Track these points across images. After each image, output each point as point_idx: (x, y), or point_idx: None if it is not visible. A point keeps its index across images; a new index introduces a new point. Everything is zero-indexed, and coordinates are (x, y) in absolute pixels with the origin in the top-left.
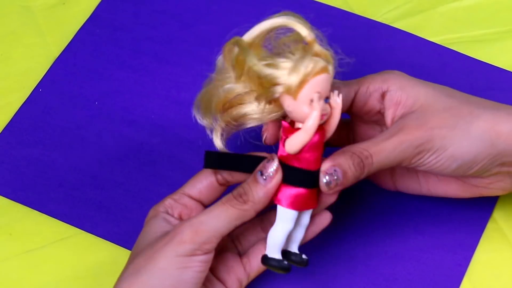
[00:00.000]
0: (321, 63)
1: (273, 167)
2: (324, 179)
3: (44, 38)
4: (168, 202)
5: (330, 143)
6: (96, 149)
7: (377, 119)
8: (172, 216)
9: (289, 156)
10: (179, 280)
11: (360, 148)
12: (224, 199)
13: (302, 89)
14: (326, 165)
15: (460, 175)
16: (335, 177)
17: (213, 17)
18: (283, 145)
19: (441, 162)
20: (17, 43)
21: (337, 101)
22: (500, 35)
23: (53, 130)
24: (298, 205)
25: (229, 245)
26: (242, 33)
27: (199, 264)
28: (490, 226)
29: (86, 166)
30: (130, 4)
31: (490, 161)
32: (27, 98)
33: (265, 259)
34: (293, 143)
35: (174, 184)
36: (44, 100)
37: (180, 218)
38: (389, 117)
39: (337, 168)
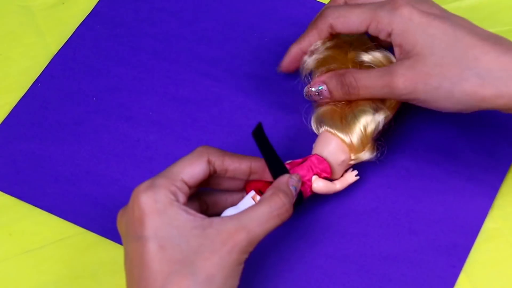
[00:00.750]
0: None
1: (299, 185)
2: (307, 90)
3: (44, 37)
4: (174, 189)
5: None
6: (93, 145)
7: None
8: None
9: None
10: (235, 286)
11: (352, 77)
12: (276, 212)
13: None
14: (315, 80)
15: None
16: (317, 93)
17: (213, 14)
18: (310, 172)
19: (427, 107)
20: (17, 42)
21: (353, 176)
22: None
23: (51, 125)
24: None
25: None
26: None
27: (242, 268)
28: (489, 225)
29: (83, 161)
30: (130, 1)
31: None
32: (26, 93)
33: None
34: (325, 188)
35: None
36: (42, 95)
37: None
38: (396, 54)
39: (325, 86)
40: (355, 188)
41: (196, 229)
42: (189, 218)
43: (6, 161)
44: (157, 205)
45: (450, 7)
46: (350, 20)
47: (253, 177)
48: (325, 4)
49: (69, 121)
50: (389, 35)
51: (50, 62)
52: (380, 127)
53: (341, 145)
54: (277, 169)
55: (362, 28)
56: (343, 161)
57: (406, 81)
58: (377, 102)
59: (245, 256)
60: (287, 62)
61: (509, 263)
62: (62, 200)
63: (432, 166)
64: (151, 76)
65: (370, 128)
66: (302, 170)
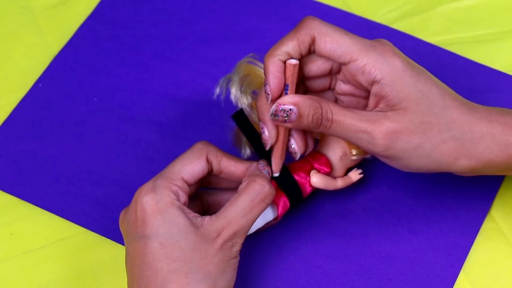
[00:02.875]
0: None
1: (269, 168)
2: (275, 108)
3: (45, 38)
4: (175, 189)
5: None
6: (93, 145)
7: (354, 86)
8: (184, 204)
9: (303, 175)
10: (232, 280)
11: (329, 108)
12: (258, 198)
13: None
14: (287, 99)
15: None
16: (285, 115)
17: (213, 15)
18: (307, 164)
19: (395, 165)
20: (18, 43)
21: (357, 175)
22: (499, 35)
23: (52, 125)
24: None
25: None
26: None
27: (237, 264)
28: (488, 225)
29: (84, 162)
30: (131, 2)
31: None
32: (27, 93)
33: None
34: (323, 183)
35: None
36: (43, 96)
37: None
38: (371, 103)
39: (295, 109)
40: (355, 188)
41: (191, 226)
42: (185, 217)
43: (7, 161)
44: (159, 205)
45: (450, 7)
46: (335, 43)
47: None
48: (325, 4)
49: (70, 121)
50: (373, 82)
51: (51, 63)
52: None
53: (337, 140)
54: (262, 150)
55: (344, 59)
56: (342, 157)
57: (388, 134)
58: None
59: (236, 248)
60: (273, 84)
61: (508, 263)
62: (62, 200)
63: None
64: (152, 76)
65: None
66: (299, 164)
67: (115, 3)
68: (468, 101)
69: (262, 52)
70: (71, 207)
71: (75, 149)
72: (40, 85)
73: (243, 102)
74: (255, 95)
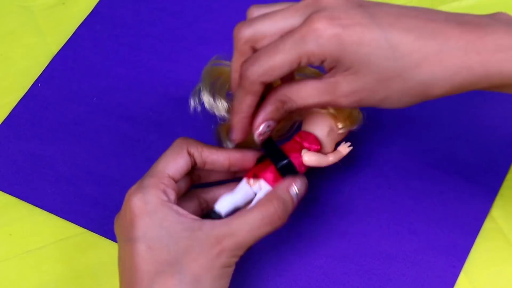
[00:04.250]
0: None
1: (302, 189)
2: (258, 138)
3: (44, 38)
4: (163, 188)
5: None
6: (93, 145)
7: None
8: (174, 203)
9: (295, 155)
10: (225, 286)
11: (290, 99)
12: (267, 219)
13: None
14: (259, 121)
15: None
16: (268, 130)
17: (213, 14)
18: (297, 144)
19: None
20: (17, 43)
21: (346, 148)
22: None
23: (51, 125)
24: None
25: None
26: None
27: (232, 270)
28: (489, 225)
29: (83, 161)
30: (130, 1)
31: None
32: (26, 93)
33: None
34: (316, 160)
35: None
36: (42, 95)
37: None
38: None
39: (271, 122)
40: (355, 188)
41: (186, 230)
42: (179, 220)
43: (6, 161)
44: (147, 206)
45: (449, 7)
46: (278, 69)
47: (233, 169)
48: None
49: (69, 121)
50: (322, 62)
51: (50, 62)
52: None
53: (322, 116)
54: (275, 155)
55: (293, 68)
56: (329, 132)
57: (349, 98)
58: None
59: (234, 259)
60: (238, 136)
61: (509, 263)
62: (62, 200)
63: (432, 166)
64: (151, 76)
65: None
66: (289, 145)
67: (115, 2)
68: (440, 22)
69: None
70: (71, 207)
71: (75, 149)
72: (39, 84)
73: (219, 109)
74: (230, 97)
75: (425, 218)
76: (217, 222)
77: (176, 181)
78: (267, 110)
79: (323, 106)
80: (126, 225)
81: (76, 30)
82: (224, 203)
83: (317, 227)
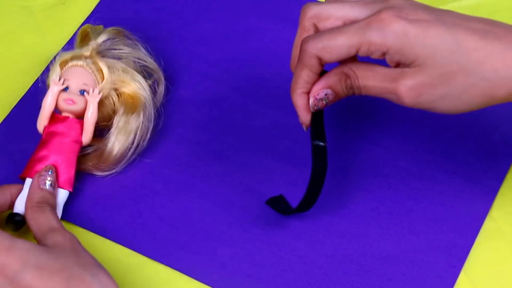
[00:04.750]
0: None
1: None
2: (314, 102)
3: (44, 38)
4: None
5: None
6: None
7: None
8: None
9: None
10: None
11: (354, 74)
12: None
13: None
14: (319, 87)
15: None
16: (325, 100)
17: (213, 15)
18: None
19: (435, 111)
20: (17, 43)
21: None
22: None
23: None
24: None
25: None
26: None
27: None
28: (489, 225)
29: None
30: (130, 2)
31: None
32: (26, 93)
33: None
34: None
35: (169, 181)
36: (43, 95)
37: None
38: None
39: (329, 91)
40: (355, 188)
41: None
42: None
43: (6, 161)
44: None
45: (450, 7)
46: (337, 49)
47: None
48: None
49: None
50: (384, 54)
51: (50, 62)
52: None
53: None
54: (317, 132)
55: (352, 53)
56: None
57: (410, 91)
58: None
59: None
60: (305, 116)
61: (509, 263)
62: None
63: (432, 166)
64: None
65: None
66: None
67: (115, 3)
68: (500, 29)
69: (262, 52)
70: (70, 208)
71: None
72: (39, 84)
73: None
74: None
75: (425, 218)
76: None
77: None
78: (330, 78)
79: (382, 92)
80: None
81: (76, 30)
82: (20, 202)
83: (317, 227)
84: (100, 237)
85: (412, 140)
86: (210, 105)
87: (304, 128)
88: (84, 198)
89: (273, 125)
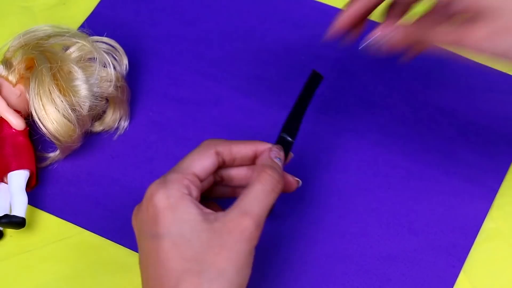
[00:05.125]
0: None
1: (283, 156)
2: (381, 31)
3: None
4: (187, 183)
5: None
6: (93, 145)
7: None
8: (196, 199)
9: None
10: (248, 275)
11: (422, 31)
12: (269, 186)
13: None
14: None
15: None
16: (384, 41)
17: (213, 15)
18: None
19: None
20: None
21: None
22: None
23: None
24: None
25: None
26: None
27: (253, 257)
28: (488, 225)
29: (83, 161)
30: (130, 2)
31: None
32: None
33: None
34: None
35: None
36: None
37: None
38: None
39: (394, 33)
40: (355, 188)
41: (205, 223)
42: (199, 212)
43: None
44: (170, 200)
45: None
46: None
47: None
48: (326, 4)
49: None
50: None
51: None
52: None
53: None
54: (291, 124)
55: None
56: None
57: (484, 41)
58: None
59: (254, 242)
60: (343, 22)
61: (509, 263)
62: (62, 200)
63: (431, 166)
64: (152, 76)
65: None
66: None
67: (115, 3)
68: None
69: (262, 52)
70: (71, 208)
71: (75, 149)
72: None
73: None
74: None
75: (424, 218)
76: (228, 209)
77: (201, 180)
78: (397, 23)
79: (455, 40)
80: (148, 220)
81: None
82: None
83: (317, 227)
84: (100, 237)
85: (412, 140)
86: (210, 105)
87: (329, 36)
88: (83, 198)
89: (273, 125)
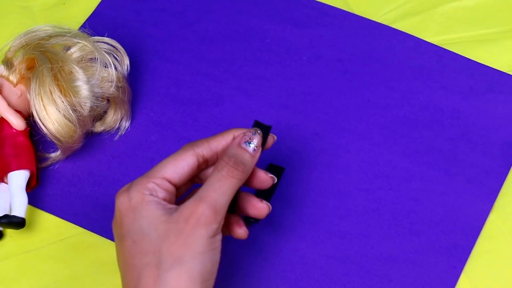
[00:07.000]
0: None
1: (259, 140)
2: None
3: None
4: (152, 186)
5: None
6: (94, 145)
7: None
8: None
9: None
10: (214, 262)
11: None
12: (224, 171)
13: None
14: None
15: None
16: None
17: (214, 15)
18: None
19: None
20: None
21: None
22: (499, 35)
23: None
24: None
25: None
26: None
27: (220, 244)
28: (490, 226)
29: (84, 162)
30: (131, 2)
31: None
32: None
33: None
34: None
35: None
36: None
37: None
38: None
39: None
40: (356, 189)
41: (164, 216)
42: (159, 207)
43: None
44: (131, 202)
45: (450, 6)
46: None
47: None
48: (326, 4)
49: None
50: None
51: None
52: None
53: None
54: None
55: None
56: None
57: None
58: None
59: (213, 227)
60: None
61: (510, 264)
62: (62, 200)
63: (433, 167)
64: (153, 76)
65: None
66: None
67: (116, 3)
68: None
69: (262, 52)
70: (71, 208)
71: (75, 149)
72: None
73: None
74: None
75: (425, 219)
76: (187, 198)
77: (174, 183)
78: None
79: None
80: (115, 224)
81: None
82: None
83: (317, 228)
84: (100, 237)
85: (413, 141)
86: (211, 105)
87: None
88: (84, 198)
89: (274, 125)
